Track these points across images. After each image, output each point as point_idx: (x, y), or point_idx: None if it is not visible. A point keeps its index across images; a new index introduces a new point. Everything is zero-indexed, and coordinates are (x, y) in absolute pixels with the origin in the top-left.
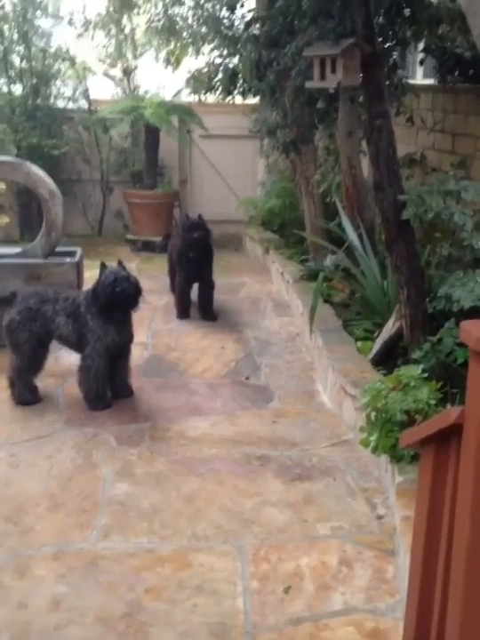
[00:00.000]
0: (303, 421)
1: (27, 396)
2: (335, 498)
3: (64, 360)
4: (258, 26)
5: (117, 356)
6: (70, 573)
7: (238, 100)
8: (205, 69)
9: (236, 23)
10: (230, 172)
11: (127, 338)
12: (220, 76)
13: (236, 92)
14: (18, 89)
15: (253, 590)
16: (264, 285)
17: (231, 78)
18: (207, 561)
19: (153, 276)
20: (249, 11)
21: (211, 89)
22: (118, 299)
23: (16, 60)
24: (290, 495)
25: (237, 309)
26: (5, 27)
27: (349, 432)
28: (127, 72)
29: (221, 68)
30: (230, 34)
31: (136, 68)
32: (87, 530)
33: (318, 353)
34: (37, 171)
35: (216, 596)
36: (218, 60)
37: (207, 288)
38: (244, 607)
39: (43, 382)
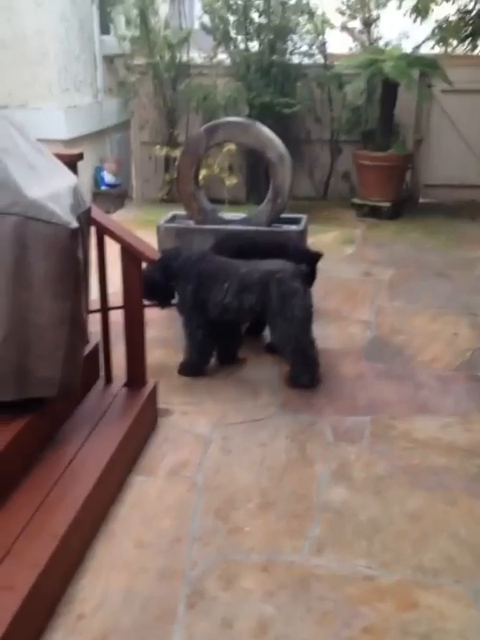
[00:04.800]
0: None
1: None
2: None
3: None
4: None
5: None
6: (279, 592)
7: None
8: (454, 17)
9: None
10: (472, 131)
11: None
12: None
13: None
14: (254, 46)
15: None
16: None
17: None
18: (436, 603)
19: (379, 245)
20: None
21: (463, 39)
22: None
23: (254, 15)
24: None
25: (472, 288)
26: None
27: None
28: (368, 23)
29: (474, 13)
30: None
31: (378, 18)
32: (299, 539)
33: None
34: (267, 132)
35: None
36: (472, 6)
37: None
38: None
39: (258, 358)
